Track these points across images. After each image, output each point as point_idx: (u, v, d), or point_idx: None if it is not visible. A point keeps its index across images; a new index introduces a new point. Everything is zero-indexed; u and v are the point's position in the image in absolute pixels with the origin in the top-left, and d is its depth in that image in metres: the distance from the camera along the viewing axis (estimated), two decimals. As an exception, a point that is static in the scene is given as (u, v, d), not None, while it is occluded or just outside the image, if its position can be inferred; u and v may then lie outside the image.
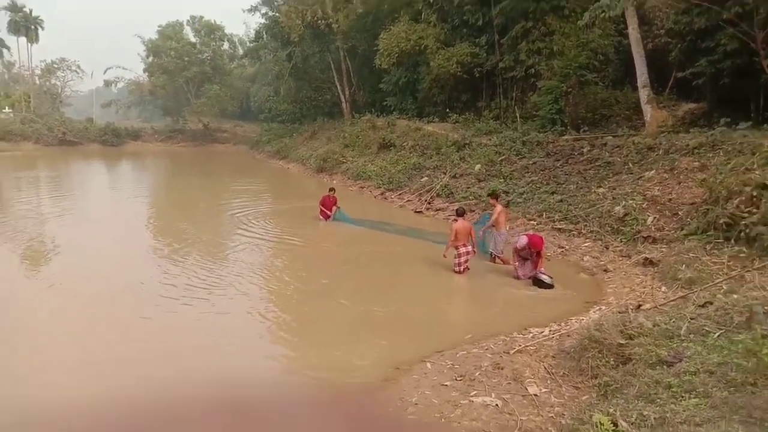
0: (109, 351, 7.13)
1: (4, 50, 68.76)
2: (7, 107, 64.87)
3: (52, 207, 19.52)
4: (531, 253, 10.16)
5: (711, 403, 4.33)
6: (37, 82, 71.21)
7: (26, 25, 62.21)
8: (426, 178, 20.47)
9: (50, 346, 7.33)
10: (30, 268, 11.53)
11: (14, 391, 6.13)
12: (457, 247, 10.64)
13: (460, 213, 11.38)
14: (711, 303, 6.70)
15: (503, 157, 18.75)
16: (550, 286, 9.79)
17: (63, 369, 6.61)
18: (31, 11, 62.28)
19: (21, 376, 6.47)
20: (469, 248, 10.73)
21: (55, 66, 71.52)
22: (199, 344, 7.48)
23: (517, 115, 22.58)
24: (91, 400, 5.93)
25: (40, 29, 63.88)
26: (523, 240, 10.17)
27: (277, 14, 40.05)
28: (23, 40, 63.89)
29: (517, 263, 10.32)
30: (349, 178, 25.88)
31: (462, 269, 10.66)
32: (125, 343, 7.43)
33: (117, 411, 5.80)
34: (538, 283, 9.89)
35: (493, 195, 12.11)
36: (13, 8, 61.37)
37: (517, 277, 10.30)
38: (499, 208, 11.44)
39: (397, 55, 27.92)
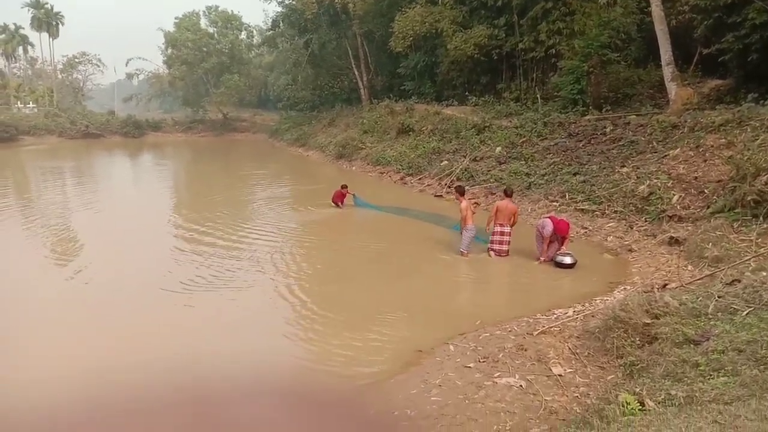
0: (113, 341, 7.22)
1: (28, 47, 69.73)
2: (31, 102, 66.05)
3: (75, 196, 19.92)
4: (557, 237, 10.09)
5: (740, 381, 4.25)
6: (59, 76, 72.23)
7: (48, 21, 62.99)
8: (446, 162, 20.33)
9: (52, 336, 7.45)
10: (49, 256, 11.61)
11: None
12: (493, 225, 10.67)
13: (509, 193, 10.95)
14: (739, 281, 6.56)
15: (524, 139, 18.56)
16: (571, 266, 9.73)
17: (60, 361, 6.66)
18: (52, 7, 63.03)
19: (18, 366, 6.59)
20: (506, 229, 10.58)
21: (77, 60, 72.55)
22: (215, 332, 7.54)
23: (538, 96, 22.30)
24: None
25: (60, 25, 64.70)
26: (548, 226, 10.06)
27: (293, 1, 39.87)
28: (45, 36, 64.86)
29: (542, 246, 10.21)
30: (368, 164, 25.82)
31: (499, 250, 10.63)
32: (130, 332, 7.50)
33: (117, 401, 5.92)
34: (559, 265, 9.84)
35: (459, 190, 11.36)
36: (36, 5, 62.15)
37: (541, 260, 10.21)
38: (464, 204, 10.82)
39: (411, 38, 27.71)
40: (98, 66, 73.85)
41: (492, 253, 10.70)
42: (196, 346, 7.07)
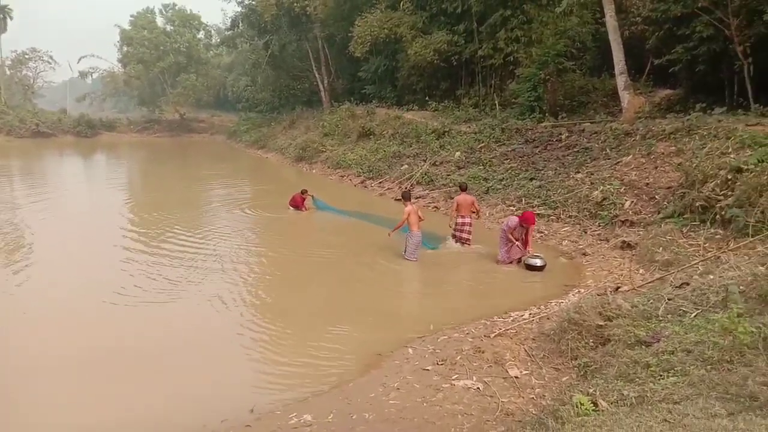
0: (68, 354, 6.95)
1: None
2: (-25, 99, 63.18)
3: (23, 197, 19.16)
4: (522, 231, 10.19)
5: (689, 381, 4.38)
6: (8, 72, 69.45)
7: (-7, 15, 60.64)
8: (406, 166, 20.43)
9: None
10: None
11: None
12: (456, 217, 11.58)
13: (464, 188, 12.03)
14: (688, 284, 6.79)
15: (482, 145, 18.78)
16: (541, 268, 9.84)
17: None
18: (-1, 0, 60.71)
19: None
20: (467, 220, 11.45)
21: (27, 56, 69.78)
22: (167, 347, 7.20)
23: (496, 102, 22.62)
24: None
25: (9, 19, 62.28)
26: (513, 220, 10.22)
27: (252, 2, 39.40)
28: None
29: (505, 247, 10.29)
30: (329, 167, 25.74)
31: (461, 238, 11.49)
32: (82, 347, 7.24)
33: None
34: (530, 267, 9.91)
35: (405, 196, 11.58)
36: (-20, -3, 59.71)
37: (501, 262, 10.32)
38: (408, 207, 10.75)
39: (369, 43, 27.76)
40: (50, 63, 71.23)
41: (453, 240, 11.58)
42: (132, 369, 6.62)
